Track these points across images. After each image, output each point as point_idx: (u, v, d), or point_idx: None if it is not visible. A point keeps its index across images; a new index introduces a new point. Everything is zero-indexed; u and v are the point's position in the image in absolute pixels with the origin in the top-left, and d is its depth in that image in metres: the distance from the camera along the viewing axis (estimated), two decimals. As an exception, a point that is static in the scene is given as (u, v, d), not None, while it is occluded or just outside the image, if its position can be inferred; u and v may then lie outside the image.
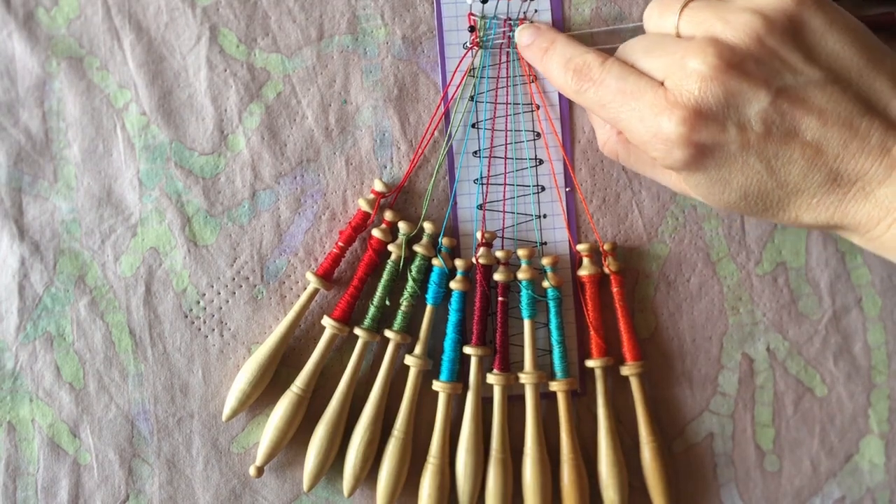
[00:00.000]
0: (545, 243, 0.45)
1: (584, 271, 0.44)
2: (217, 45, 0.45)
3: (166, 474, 0.44)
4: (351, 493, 0.42)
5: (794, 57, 0.34)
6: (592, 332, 0.44)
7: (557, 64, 0.40)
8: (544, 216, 0.45)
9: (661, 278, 0.45)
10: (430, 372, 0.44)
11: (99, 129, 0.44)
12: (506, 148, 0.45)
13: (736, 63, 0.34)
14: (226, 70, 0.45)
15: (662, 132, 0.35)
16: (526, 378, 0.43)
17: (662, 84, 0.35)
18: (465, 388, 0.44)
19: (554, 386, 0.43)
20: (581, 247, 0.44)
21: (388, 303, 0.44)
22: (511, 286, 0.44)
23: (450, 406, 0.43)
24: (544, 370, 0.44)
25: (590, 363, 0.44)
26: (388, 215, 0.44)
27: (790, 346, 0.45)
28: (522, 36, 0.43)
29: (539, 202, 0.45)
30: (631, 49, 0.38)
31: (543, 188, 0.45)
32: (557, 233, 0.45)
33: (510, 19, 0.45)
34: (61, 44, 0.44)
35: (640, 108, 0.35)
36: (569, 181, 0.45)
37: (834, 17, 0.35)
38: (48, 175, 0.44)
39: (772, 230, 0.45)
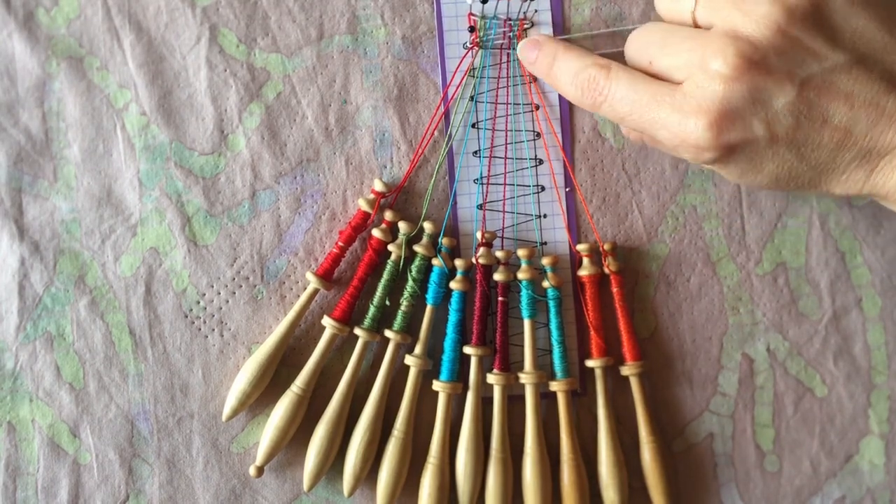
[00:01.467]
0: (545, 243, 0.45)
1: (584, 271, 0.44)
2: (217, 45, 0.45)
3: (166, 474, 0.44)
4: (351, 493, 0.42)
5: (817, 43, 0.34)
6: (592, 332, 0.44)
7: (566, 80, 0.39)
8: (544, 216, 0.45)
9: (661, 278, 0.45)
10: (430, 372, 0.44)
11: (99, 129, 0.44)
12: (506, 148, 0.45)
13: (758, 60, 0.33)
14: (226, 70, 0.45)
15: (690, 139, 0.34)
16: (526, 378, 0.43)
17: (679, 84, 0.35)
18: (466, 388, 0.44)
19: (554, 386, 0.43)
20: (581, 247, 0.44)
21: (388, 303, 0.44)
22: (511, 286, 0.44)
23: (450, 406, 0.43)
24: (544, 370, 0.44)
25: (590, 363, 0.44)
26: (388, 215, 0.44)
27: (790, 347, 0.45)
28: (525, 53, 0.42)
29: (539, 202, 0.45)
30: (645, 43, 0.37)
31: (543, 188, 0.45)
32: (557, 233, 0.45)
33: (510, 19, 0.45)
34: (61, 44, 0.44)
35: (662, 117, 0.35)
36: (569, 181, 0.45)
37: None
38: (48, 175, 0.44)
39: (772, 230, 0.45)
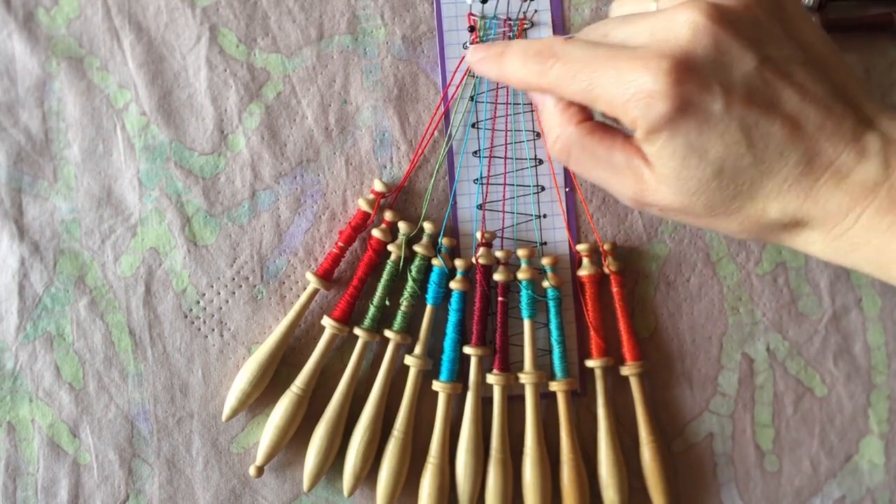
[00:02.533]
0: (545, 243, 0.45)
1: (584, 271, 0.44)
2: (217, 45, 0.45)
3: (166, 474, 0.44)
4: (351, 493, 0.42)
5: (777, 31, 0.34)
6: (592, 333, 0.44)
7: (516, 57, 0.37)
8: (544, 216, 0.45)
9: (661, 278, 0.45)
10: (430, 372, 0.44)
11: (99, 129, 0.44)
12: (506, 148, 0.45)
13: (729, 20, 0.33)
14: (226, 70, 0.45)
15: (645, 86, 0.32)
16: (526, 378, 0.43)
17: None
18: (466, 388, 0.44)
19: (554, 386, 0.43)
20: (581, 247, 0.44)
21: (387, 303, 0.44)
22: (511, 286, 0.44)
23: (450, 406, 0.43)
24: (544, 370, 0.44)
25: (590, 363, 0.44)
26: (387, 215, 0.44)
27: (790, 347, 0.45)
28: (474, 53, 0.39)
29: (539, 202, 0.45)
30: (598, 25, 0.36)
31: (543, 188, 0.45)
32: (557, 233, 0.45)
33: (510, 19, 0.45)
34: (61, 44, 0.44)
35: (618, 66, 0.33)
36: (569, 181, 0.45)
37: (805, 12, 0.35)
38: (48, 175, 0.44)
39: (772, 230, 0.45)
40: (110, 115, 0.44)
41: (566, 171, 0.45)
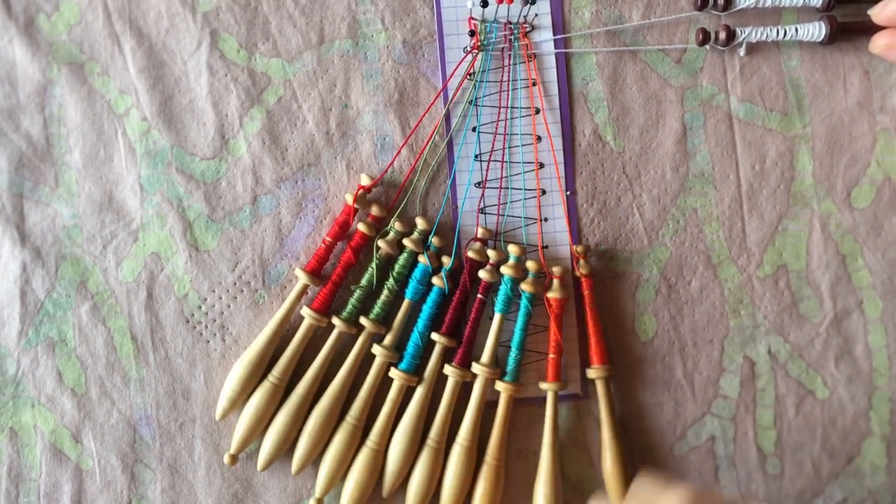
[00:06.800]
0: (546, 247, 0.45)
1: (553, 294, 0.44)
2: (218, 50, 0.45)
3: (168, 479, 0.44)
4: (297, 472, 0.42)
5: None
6: (551, 355, 0.43)
7: None
8: (545, 220, 0.45)
9: (662, 281, 0.45)
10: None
11: (100, 134, 0.44)
12: (506, 152, 0.45)
13: None
14: (226, 75, 0.45)
15: None
16: (479, 370, 0.43)
17: None
18: (422, 381, 0.43)
19: (498, 385, 0.43)
20: (555, 269, 0.44)
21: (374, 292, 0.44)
22: (493, 287, 0.44)
23: (401, 395, 0.43)
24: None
25: (544, 385, 0.43)
26: (374, 210, 0.43)
27: (791, 349, 0.45)
28: None
29: (539, 206, 0.45)
30: None
31: (544, 192, 0.45)
32: (558, 236, 0.45)
33: (511, 23, 0.45)
34: (62, 49, 0.44)
35: None
36: (570, 185, 0.45)
37: None
38: (49, 181, 0.44)
39: (773, 233, 0.45)
40: (111, 120, 0.44)
41: (567, 175, 0.45)
